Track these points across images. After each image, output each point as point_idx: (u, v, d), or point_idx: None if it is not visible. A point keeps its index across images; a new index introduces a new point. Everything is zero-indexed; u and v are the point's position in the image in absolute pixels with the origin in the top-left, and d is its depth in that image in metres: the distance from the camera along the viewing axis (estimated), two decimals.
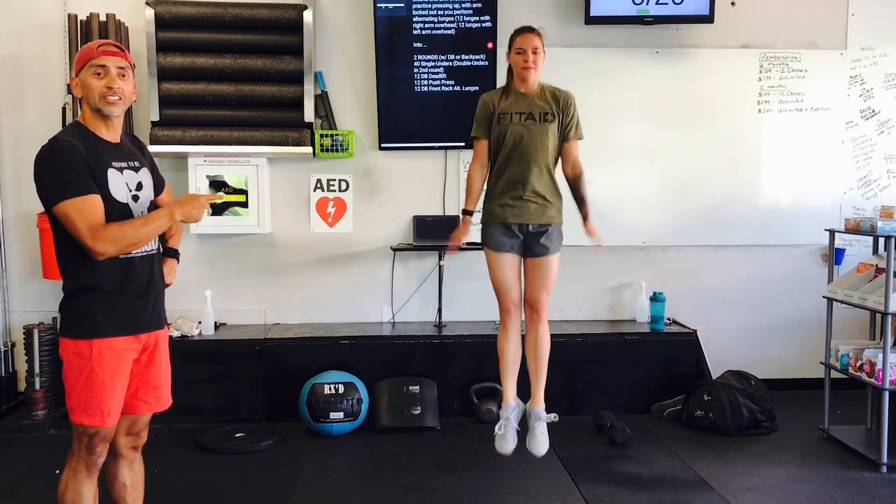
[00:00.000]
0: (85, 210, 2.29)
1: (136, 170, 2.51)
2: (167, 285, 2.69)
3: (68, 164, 2.29)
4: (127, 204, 2.43)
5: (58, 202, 2.28)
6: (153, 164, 2.68)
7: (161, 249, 2.63)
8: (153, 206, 2.56)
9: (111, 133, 2.46)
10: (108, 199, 2.37)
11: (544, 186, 3.39)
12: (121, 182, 2.43)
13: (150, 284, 2.51)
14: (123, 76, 2.43)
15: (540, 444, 3.43)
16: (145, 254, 2.48)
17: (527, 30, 3.43)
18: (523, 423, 3.51)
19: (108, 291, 2.39)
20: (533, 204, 3.36)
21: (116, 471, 2.62)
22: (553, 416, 3.50)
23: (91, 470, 2.49)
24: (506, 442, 3.44)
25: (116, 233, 2.32)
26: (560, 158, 3.48)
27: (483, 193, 3.55)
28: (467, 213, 3.53)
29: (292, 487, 3.59)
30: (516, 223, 3.37)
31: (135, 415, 2.57)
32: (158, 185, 2.71)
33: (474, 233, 5.01)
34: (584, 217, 3.48)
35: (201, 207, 2.48)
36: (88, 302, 2.39)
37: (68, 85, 4.43)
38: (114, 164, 2.42)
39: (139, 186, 2.50)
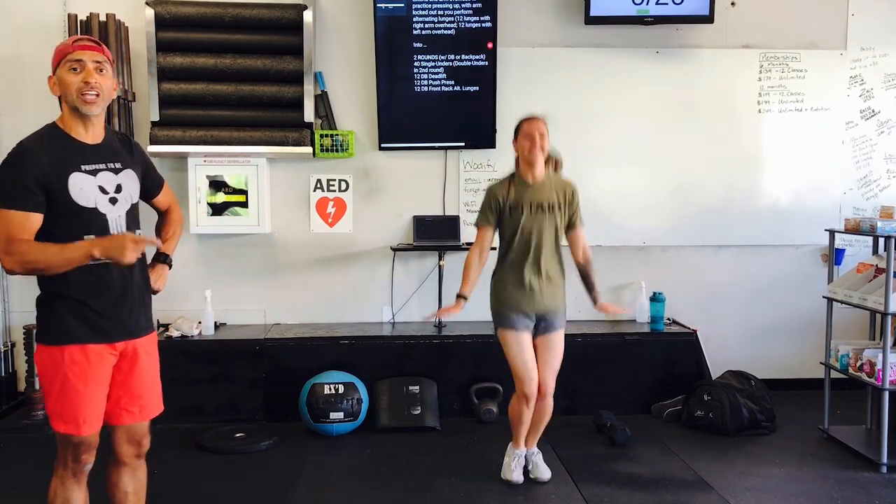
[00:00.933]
0: (9, 223, 2.24)
1: (117, 171, 2.42)
2: (155, 292, 2.61)
3: (15, 174, 2.25)
4: (94, 208, 2.35)
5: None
6: (147, 164, 2.61)
7: (144, 254, 2.53)
8: (133, 209, 2.47)
9: (90, 133, 2.39)
10: (67, 203, 2.30)
11: (555, 273, 3.53)
12: (89, 185, 2.34)
13: (128, 291, 2.43)
14: (101, 70, 2.35)
15: (543, 471, 3.66)
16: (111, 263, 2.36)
17: (532, 117, 3.51)
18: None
19: (80, 298, 2.34)
20: (546, 292, 3.49)
21: (118, 478, 2.57)
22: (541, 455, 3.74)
23: (78, 476, 2.44)
24: (517, 474, 3.64)
25: (25, 250, 2.23)
26: (570, 246, 3.60)
27: (488, 272, 3.63)
28: (462, 297, 3.56)
29: (292, 487, 3.59)
30: (529, 311, 3.49)
31: (119, 425, 2.49)
32: (155, 187, 2.67)
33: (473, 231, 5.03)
34: (595, 300, 3.62)
35: (124, 251, 2.24)
36: (60, 308, 2.35)
37: None
38: (84, 166, 2.34)
39: (118, 189, 2.41)
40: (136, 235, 2.40)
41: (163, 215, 2.80)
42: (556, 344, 3.53)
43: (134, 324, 2.46)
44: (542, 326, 3.51)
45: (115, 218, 2.40)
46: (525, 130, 3.46)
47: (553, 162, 3.59)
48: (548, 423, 3.64)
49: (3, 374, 4.62)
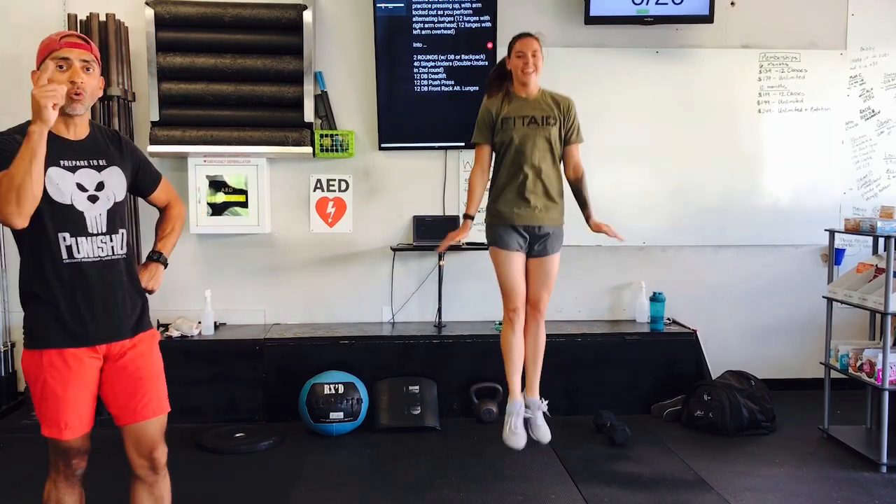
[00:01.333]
0: None
1: (100, 168, 2.34)
2: (149, 291, 2.53)
3: (4, 151, 2.19)
4: (70, 205, 2.27)
5: None
6: (139, 161, 2.51)
7: (129, 252, 2.44)
8: (117, 208, 2.38)
9: (71, 130, 2.33)
10: (47, 201, 2.23)
11: (550, 187, 3.48)
12: (66, 181, 2.27)
13: (109, 291, 2.34)
14: (88, 70, 2.29)
15: (544, 432, 3.60)
16: (97, 259, 2.31)
17: (526, 34, 3.49)
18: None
19: (55, 301, 2.28)
20: (540, 206, 3.46)
21: (135, 496, 2.48)
22: (545, 404, 3.66)
23: (70, 480, 2.38)
24: (517, 437, 3.56)
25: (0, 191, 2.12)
26: (562, 162, 3.57)
27: (486, 195, 3.61)
28: (469, 217, 3.56)
29: (292, 487, 3.59)
30: (523, 225, 3.45)
31: (123, 426, 2.41)
32: (150, 183, 2.59)
33: (473, 233, 5.01)
34: (588, 217, 3.60)
35: (46, 92, 2.13)
36: (38, 311, 2.31)
37: None
38: (62, 162, 2.27)
39: (99, 186, 2.33)
40: (46, 77, 2.22)
41: (162, 212, 2.73)
42: (551, 266, 3.51)
43: (118, 324, 2.37)
44: (537, 248, 3.48)
45: (95, 216, 2.32)
46: (517, 48, 3.44)
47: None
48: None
49: (2, 374, 4.62)
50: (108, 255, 2.34)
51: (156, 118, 4.61)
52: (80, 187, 2.30)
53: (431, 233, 4.88)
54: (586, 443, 4.17)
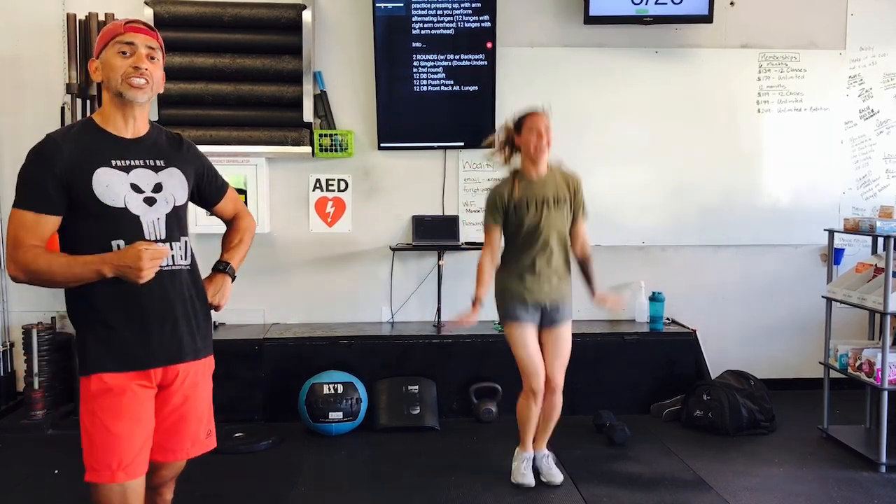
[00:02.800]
0: (20, 225, 2.00)
1: (157, 169, 2.15)
2: (215, 308, 2.29)
3: (34, 173, 2.02)
4: (124, 208, 2.06)
5: (12, 206, 2.04)
6: (203, 166, 2.35)
7: (194, 262, 2.28)
8: (177, 212, 2.22)
9: (130, 127, 2.13)
10: (93, 202, 2.03)
11: (561, 267, 3.50)
12: (119, 182, 2.07)
13: (169, 307, 2.12)
14: (153, 58, 2.11)
15: (556, 474, 3.62)
16: (160, 268, 2.07)
17: (535, 112, 3.48)
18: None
19: (107, 319, 2.05)
20: (551, 284, 3.46)
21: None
22: (553, 456, 3.72)
23: None
24: (526, 477, 3.60)
25: (29, 258, 1.98)
26: (570, 238, 3.56)
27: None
28: (478, 301, 3.51)
29: (291, 487, 3.59)
30: (534, 302, 3.46)
31: (158, 461, 2.17)
32: (215, 191, 2.42)
33: (474, 233, 5.01)
34: (592, 293, 3.61)
35: (139, 267, 1.98)
36: (86, 331, 2.06)
37: (67, 84, 4.43)
38: (115, 161, 2.07)
39: (157, 188, 2.13)
40: (149, 250, 2.01)
41: (230, 223, 2.53)
42: (563, 336, 3.51)
43: (177, 346, 2.13)
44: (547, 319, 3.48)
45: (152, 221, 2.10)
46: (530, 125, 3.42)
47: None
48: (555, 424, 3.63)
49: (1, 374, 4.62)
50: (167, 265, 2.12)
51: (155, 118, 4.60)
52: (135, 188, 2.09)
53: (431, 233, 4.88)
54: (586, 443, 4.17)
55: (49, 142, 2.06)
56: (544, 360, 3.50)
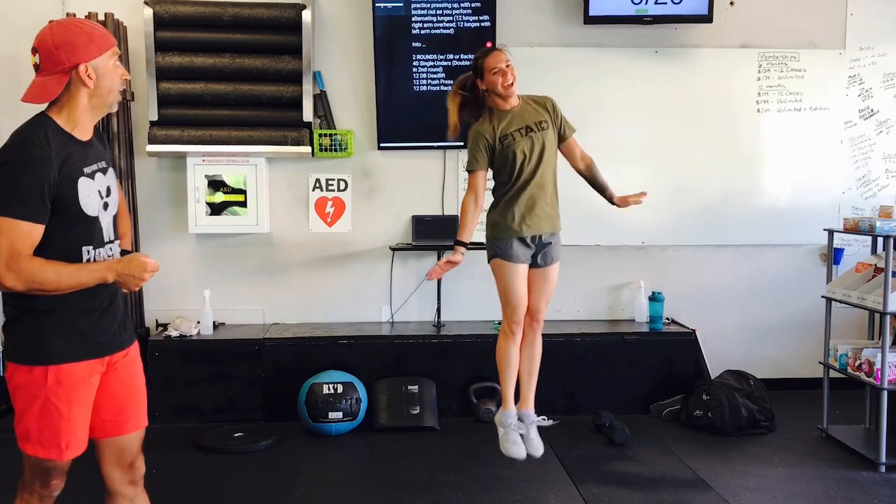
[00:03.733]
0: (17, 236, 1.96)
1: (105, 172, 2.19)
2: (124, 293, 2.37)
3: (28, 181, 1.97)
4: (97, 217, 2.13)
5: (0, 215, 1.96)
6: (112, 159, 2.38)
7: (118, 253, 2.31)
8: (114, 216, 2.25)
9: (85, 130, 2.14)
10: (75, 213, 2.06)
11: (553, 195, 3.47)
12: (93, 191, 2.11)
13: (114, 297, 2.22)
14: None
15: (536, 445, 3.50)
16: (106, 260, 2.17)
17: (493, 49, 3.48)
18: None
19: (65, 310, 2.09)
20: (546, 214, 3.43)
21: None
22: (543, 419, 3.55)
23: (45, 502, 2.22)
24: (518, 447, 3.49)
25: (34, 270, 1.99)
26: (567, 158, 3.56)
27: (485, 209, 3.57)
28: (461, 243, 3.48)
29: (291, 487, 3.59)
30: (531, 235, 3.42)
31: (104, 439, 2.25)
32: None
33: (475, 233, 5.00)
34: (611, 198, 3.61)
35: (141, 281, 2.11)
36: (42, 323, 2.08)
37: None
38: (85, 169, 2.09)
39: (108, 191, 2.18)
40: (152, 262, 2.14)
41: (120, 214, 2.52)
42: (552, 276, 3.49)
43: (121, 334, 2.26)
44: (540, 259, 3.44)
45: (107, 225, 2.19)
46: (490, 65, 3.37)
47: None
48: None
49: (1, 374, 4.61)
50: (111, 256, 2.22)
51: (154, 118, 4.60)
52: (100, 194, 2.15)
53: (430, 232, 4.88)
54: (585, 443, 4.17)
55: (38, 149, 2.01)
56: (530, 295, 3.45)
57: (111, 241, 2.22)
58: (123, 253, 2.32)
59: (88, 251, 2.13)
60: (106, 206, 2.18)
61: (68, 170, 2.04)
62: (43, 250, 2.03)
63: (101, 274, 2.07)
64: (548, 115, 3.45)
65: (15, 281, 1.98)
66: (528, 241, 3.42)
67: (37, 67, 2.11)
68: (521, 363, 3.52)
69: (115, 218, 2.26)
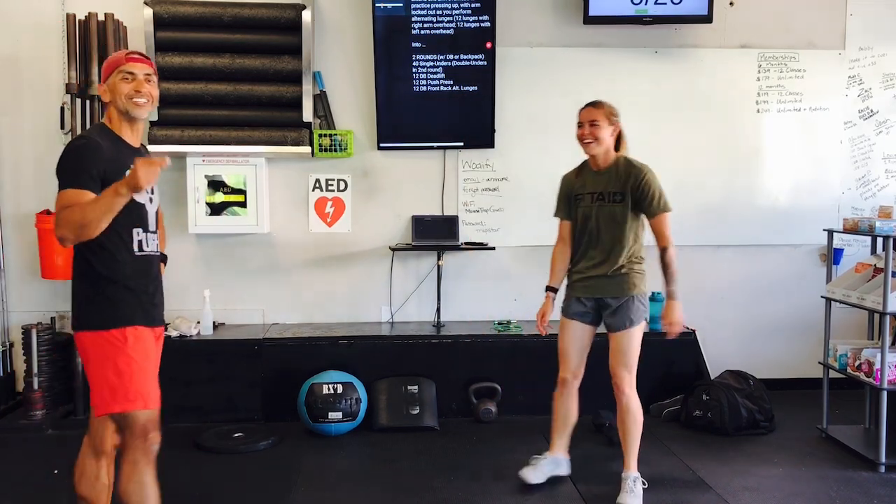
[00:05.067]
0: (68, 198, 2.36)
1: None
2: None
3: (82, 162, 2.41)
4: (143, 204, 2.57)
5: (61, 188, 2.39)
6: None
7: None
8: (156, 212, 2.70)
9: (134, 137, 2.62)
10: (130, 203, 2.43)
11: (612, 263, 3.38)
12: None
13: (158, 283, 2.66)
14: (149, 81, 2.60)
15: (630, 499, 3.40)
16: (153, 253, 2.63)
17: (588, 104, 3.48)
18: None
19: (130, 284, 2.51)
20: (600, 279, 3.39)
21: (98, 470, 2.65)
22: (642, 483, 3.48)
23: (149, 457, 2.49)
24: (533, 473, 3.57)
25: (67, 215, 2.32)
26: (654, 232, 3.44)
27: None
28: (550, 289, 3.57)
29: (291, 487, 3.59)
30: (585, 297, 3.45)
31: None
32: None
33: (476, 234, 5.03)
34: (668, 294, 3.43)
35: (146, 174, 2.31)
36: (115, 292, 2.47)
37: (67, 84, 4.43)
38: (131, 165, 2.44)
39: (152, 189, 2.62)
40: (148, 157, 2.48)
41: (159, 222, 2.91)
42: (619, 341, 3.39)
43: (162, 313, 2.68)
44: (606, 322, 3.44)
45: (152, 215, 2.63)
46: (579, 118, 3.45)
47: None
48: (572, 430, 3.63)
49: (1, 375, 4.62)
50: (155, 251, 2.65)
51: (154, 118, 4.60)
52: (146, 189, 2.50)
53: (430, 232, 4.88)
54: (585, 443, 4.17)
55: (91, 139, 2.48)
56: (610, 356, 3.43)
57: (154, 231, 2.64)
58: (163, 257, 2.80)
59: (139, 233, 2.56)
60: (151, 199, 2.63)
61: (116, 162, 2.47)
62: (107, 229, 2.39)
63: (114, 190, 2.32)
64: (625, 188, 3.35)
65: (61, 230, 2.33)
66: (584, 300, 3.45)
67: None
68: (618, 425, 3.52)
69: (158, 214, 2.70)
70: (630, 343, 3.39)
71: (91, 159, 2.42)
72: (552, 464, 3.62)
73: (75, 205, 2.33)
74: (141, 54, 2.64)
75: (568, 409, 3.58)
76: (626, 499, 3.37)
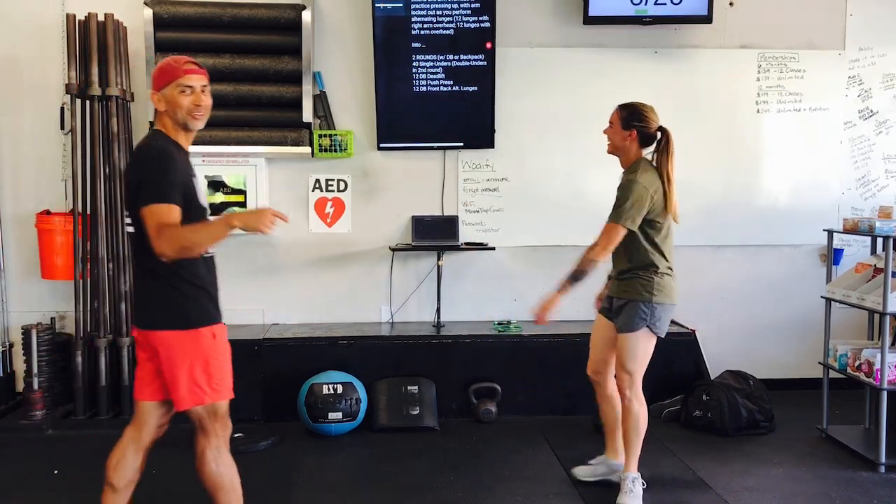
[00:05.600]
0: (163, 214, 2.45)
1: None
2: None
3: (172, 174, 2.51)
4: (206, 208, 2.70)
5: (149, 203, 2.45)
6: None
7: None
8: None
9: (188, 143, 2.74)
10: (196, 204, 2.59)
11: (622, 265, 3.40)
12: (201, 188, 2.72)
13: (217, 283, 2.77)
14: (205, 92, 2.65)
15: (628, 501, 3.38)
16: (212, 254, 2.74)
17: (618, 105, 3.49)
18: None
19: (206, 285, 2.64)
20: (619, 282, 3.42)
21: (136, 462, 2.79)
22: (642, 483, 3.44)
23: (227, 443, 2.77)
24: (583, 471, 3.66)
25: (174, 233, 2.45)
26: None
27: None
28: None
29: (291, 487, 3.59)
30: (608, 295, 3.51)
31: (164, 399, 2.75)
32: None
33: (472, 233, 5.03)
34: (559, 286, 3.34)
35: (267, 222, 2.61)
36: (197, 294, 2.60)
37: (67, 85, 4.43)
38: (194, 170, 2.68)
39: (202, 193, 2.74)
40: (274, 210, 2.70)
41: None
42: (621, 343, 3.39)
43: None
44: (615, 321, 3.45)
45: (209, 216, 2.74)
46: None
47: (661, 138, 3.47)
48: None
49: (1, 375, 4.62)
50: (212, 252, 2.71)
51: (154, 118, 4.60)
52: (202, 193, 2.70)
53: (430, 233, 4.88)
54: (585, 443, 4.16)
55: (167, 150, 2.58)
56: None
57: None
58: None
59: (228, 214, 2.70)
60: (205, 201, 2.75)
61: (187, 170, 2.63)
62: None
63: (227, 223, 2.53)
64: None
65: (163, 246, 2.43)
66: (608, 296, 3.51)
67: None
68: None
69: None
70: (627, 346, 3.38)
71: (172, 171, 2.51)
72: (604, 466, 3.61)
73: (177, 227, 2.45)
74: (195, 63, 2.65)
75: (605, 413, 3.59)
76: (625, 499, 3.36)
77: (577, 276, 3.31)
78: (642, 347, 3.39)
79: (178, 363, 2.58)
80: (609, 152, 3.48)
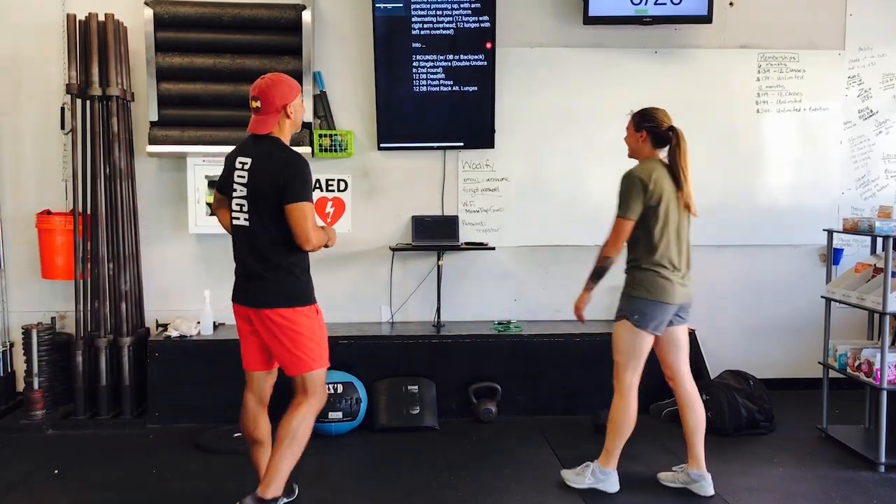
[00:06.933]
0: (311, 213, 2.96)
1: None
2: None
3: (311, 175, 2.98)
4: None
5: (303, 199, 2.92)
6: None
7: None
8: None
9: None
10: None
11: (627, 263, 3.56)
12: None
13: None
14: None
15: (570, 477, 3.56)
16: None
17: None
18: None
19: (309, 272, 3.17)
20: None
21: (266, 418, 3.34)
22: (599, 475, 3.54)
23: (317, 413, 3.19)
24: (664, 476, 3.65)
25: (320, 234, 3.01)
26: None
27: None
28: None
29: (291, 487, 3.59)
30: None
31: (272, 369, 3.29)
32: None
33: (474, 233, 5.03)
34: (585, 285, 3.56)
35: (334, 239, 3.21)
36: (308, 279, 3.15)
37: (67, 85, 4.42)
38: None
39: None
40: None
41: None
42: (615, 327, 3.53)
43: None
44: None
45: None
46: None
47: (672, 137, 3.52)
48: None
49: (1, 374, 4.62)
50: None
51: (154, 118, 4.60)
52: None
53: (430, 233, 4.89)
54: (585, 443, 4.17)
55: (303, 157, 3.03)
56: None
57: None
58: None
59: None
60: None
61: None
62: (288, 233, 2.98)
63: (329, 234, 3.12)
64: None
65: (312, 243, 2.97)
66: None
67: (257, 110, 3.01)
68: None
69: None
70: (616, 334, 3.49)
71: (310, 176, 3.00)
72: (684, 474, 3.56)
73: (317, 226, 2.99)
74: None
75: (684, 418, 3.56)
76: (568, 474, 3.52)
77: (597, 273, 3.51)
78: (625, 339, 3.45)
79: (303, 335, 3.03)
80: (629, 156, 3.61)
